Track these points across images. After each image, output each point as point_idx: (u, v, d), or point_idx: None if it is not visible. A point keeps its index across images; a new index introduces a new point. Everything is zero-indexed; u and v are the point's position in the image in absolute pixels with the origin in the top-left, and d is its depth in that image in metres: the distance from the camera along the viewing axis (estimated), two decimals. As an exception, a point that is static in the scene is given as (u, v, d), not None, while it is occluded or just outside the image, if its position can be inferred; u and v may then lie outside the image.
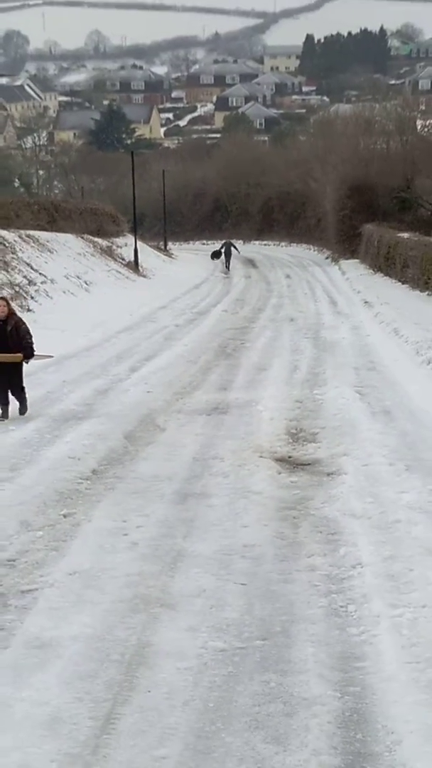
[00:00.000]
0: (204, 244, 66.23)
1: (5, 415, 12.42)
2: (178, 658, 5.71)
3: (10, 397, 12.55)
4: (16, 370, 12.47)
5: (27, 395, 12.69)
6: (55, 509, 8.53)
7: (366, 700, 5.23)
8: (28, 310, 24.24)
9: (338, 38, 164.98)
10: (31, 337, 12.59)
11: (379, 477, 9.45)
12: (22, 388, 12.59)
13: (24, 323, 12.82)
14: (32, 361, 13.08)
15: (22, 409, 12.54)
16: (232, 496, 8.99)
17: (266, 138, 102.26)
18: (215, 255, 47.42)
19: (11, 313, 12.54)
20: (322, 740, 4.85)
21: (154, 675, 5.52)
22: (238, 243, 52.98)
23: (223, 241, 47.71)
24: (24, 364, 12.61)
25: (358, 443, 10.81)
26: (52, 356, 14.66)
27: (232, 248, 46.16)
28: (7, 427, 11.87)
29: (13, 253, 28.94)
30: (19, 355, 12.41)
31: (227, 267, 45.06)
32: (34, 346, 12.61)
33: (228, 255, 45.58)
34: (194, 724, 5.02)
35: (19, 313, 13.86)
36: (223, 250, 46.13)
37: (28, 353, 12.52)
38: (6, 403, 12.50)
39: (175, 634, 6.02)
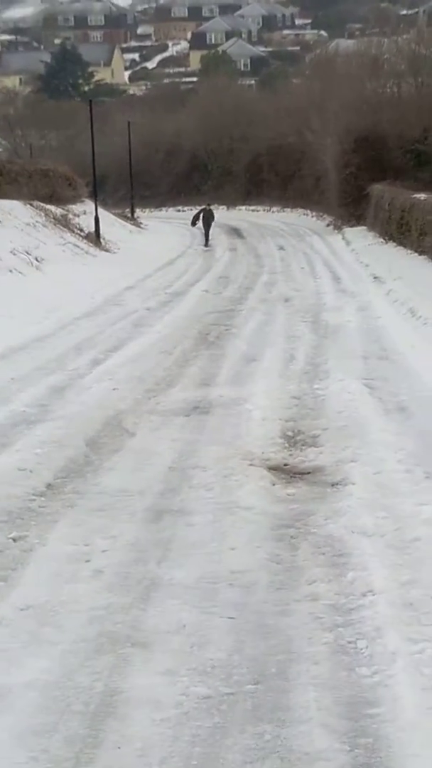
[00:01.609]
0: (179, 210, 66.39)
1: None
2: (153, 707, 5.71)
3: None
4: None
5: None
6: (2, 532, 8.52)
7: (381, 753, 5.24)
8: (-33, 293, 24.16)
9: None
10: None
11: (393, 487, 9.47)
12: None
13: None
14: None
15: None
16: (217, 513, 8.99)
17: (252, 82, 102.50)
18: (195, 221, 47.07)
19: None
20: None
21: (125, 729, 5.51)
22: (220, 210, 52.92)
23: (202, 207, 47.55)
24: None
25: (368, 447, 10.82)
26: None
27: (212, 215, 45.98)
28: None
29: None
30: None
31: (207, 238, 44.98)
32: None
33: (207, 223, 45.44)
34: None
35: None
36: (201, 217, 45.88)
37: None
38: None
39: (149, 680, 6.02)
